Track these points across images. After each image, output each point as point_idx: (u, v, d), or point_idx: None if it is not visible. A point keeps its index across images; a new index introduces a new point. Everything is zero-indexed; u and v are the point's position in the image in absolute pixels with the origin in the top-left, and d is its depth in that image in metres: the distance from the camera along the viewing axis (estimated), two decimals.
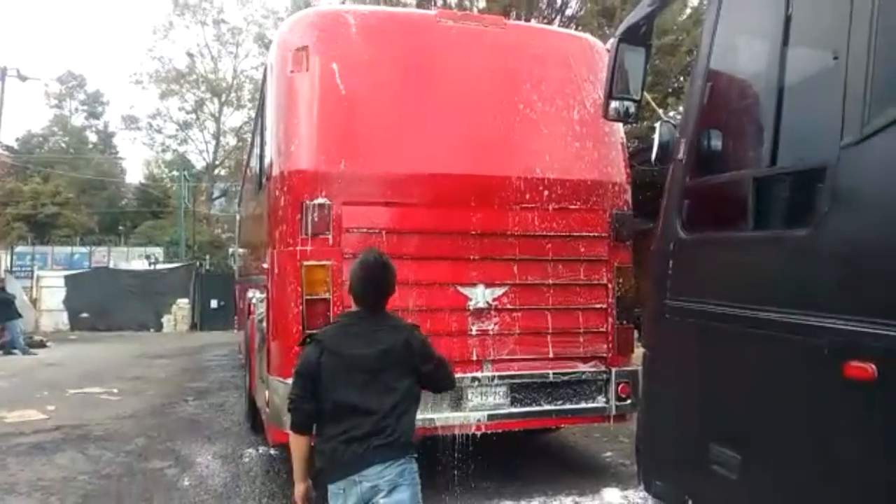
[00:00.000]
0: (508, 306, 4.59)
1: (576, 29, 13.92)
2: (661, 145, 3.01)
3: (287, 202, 4.37)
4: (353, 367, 2.45)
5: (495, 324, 4.57)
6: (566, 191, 4.73)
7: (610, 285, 4.82)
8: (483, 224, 4.55)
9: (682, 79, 13.72)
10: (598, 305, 4.80)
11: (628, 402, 4.75)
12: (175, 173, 35.78)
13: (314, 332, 2.66)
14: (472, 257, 4.54)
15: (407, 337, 2.54)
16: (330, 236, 4.30)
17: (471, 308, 4.52)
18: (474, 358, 4.50)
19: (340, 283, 4.29)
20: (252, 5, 44.18)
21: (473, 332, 4.52)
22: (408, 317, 4.32)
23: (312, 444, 2.55)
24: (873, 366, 1.80)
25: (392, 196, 4.45)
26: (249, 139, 10.90)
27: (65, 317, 20.38)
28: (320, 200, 4.30)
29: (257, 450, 5.87)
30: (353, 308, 2.61)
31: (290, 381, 4.15)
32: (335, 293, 4.28)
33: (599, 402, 4.76)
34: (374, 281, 2.55)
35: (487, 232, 4.56)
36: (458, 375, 4.40)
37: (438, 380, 2.65)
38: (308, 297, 4.26)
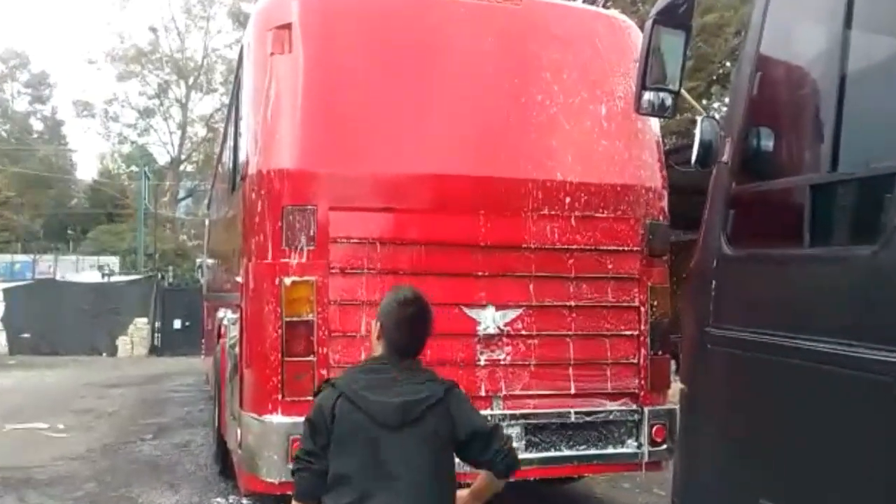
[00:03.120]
0: (523, 332, 4.62)
1: (604, 6, 13.97)
2: (702, 145, 3.02)
3: (265, 206, 4.42)
4: (371, 420, 2.42)
5: (507, 353, 4.60)
6: (591, 197, 4.77)
7: (643, 308, 4.84)
8: (494, 235, 4.59)
9: (727, 64, 13.75)
10: (628, 332, 4.83)
11: (664, 446, 4.78)
12: (134, 169, 36.01)
13: (334, 377, 2.66)
14: (480, 274, 4.58)
15: (441, 395, 2.49)
16: (314, 247, 4.34)
17: (479, 334, 4.55)
18: (483, 393, 4.54)
19: (326, 302, 4.34)
20: None
21: (482, 363, 4.55)
22: None
23: None
24: None
25: (388, 200, 4.49)
26: (221, 130, 10.95)
27: (2, 338, 20.44)
28: (304, 205, 4.34)
29: (227, 499, 5.88)
30: (378, 353, 2.61)
31: (266, 418, 4.29)
32: (320, 314, 4.31)
33: (630, 446, 4.78)
34: (410, 321, 2.56)
35: (499, 244, 4.60)
36: None
37: (495, 459, 2.52)
38: (288, 319, 4.30)
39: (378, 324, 2.60)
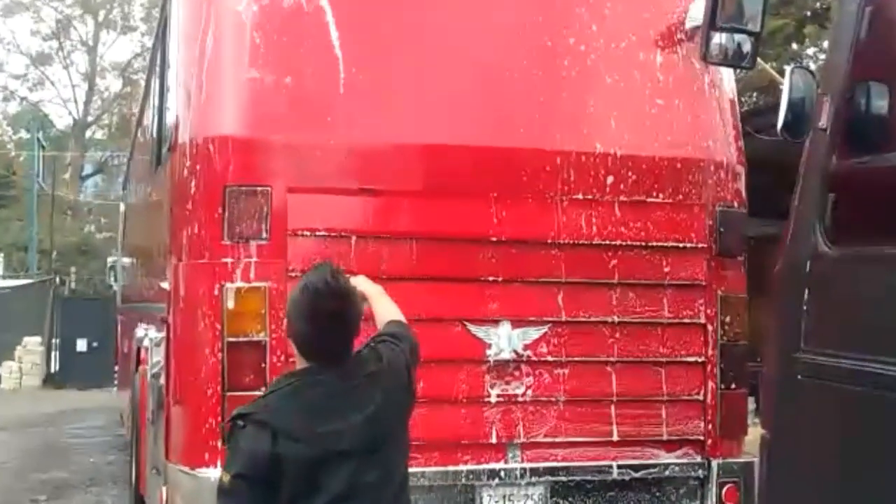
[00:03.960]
0: (549, 358, 4.63)
1: None
2: (792, 106, 3.03)
3: (201, 187, 4.45)
4: (336, 454, 2.46)
5: (528, 386, 4.60)
6: (642, 175, 4.78)
7: (710, 326, 4.85)
8: (510, 226, 4.60)
9: None
10: (691, 358, 4.84)
11: None
12: (24, 136, 35.98)
13: (246, 408, 2.60)
14: (492, 279, 4.58)
15: (384, 373, 2.64)
16: (268, 242, 4.37)
17: (490, 360, 4.55)
18: (494, 440, 4.56)
19: (283, 317, 4.23)
20: None
21: (493, 399, 4.56)
22: None
23: None
24: None
25: (367, 179, 4.50)
26: (142, 84, 10.95)
27: None
28: (254, 185, 4.36)
29: None
30: (300, 364, 2.63)
31: (200, 472, 4.28)
32: (274, 333, 4.31)
33: None
34: (330, 320, 2.56)
35: (517, 239, 4.62)
36: (469, 467, 4.46)
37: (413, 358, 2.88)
38: (232, 340, 4.33)
39: (286, 319, 2.65)
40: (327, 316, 2.54)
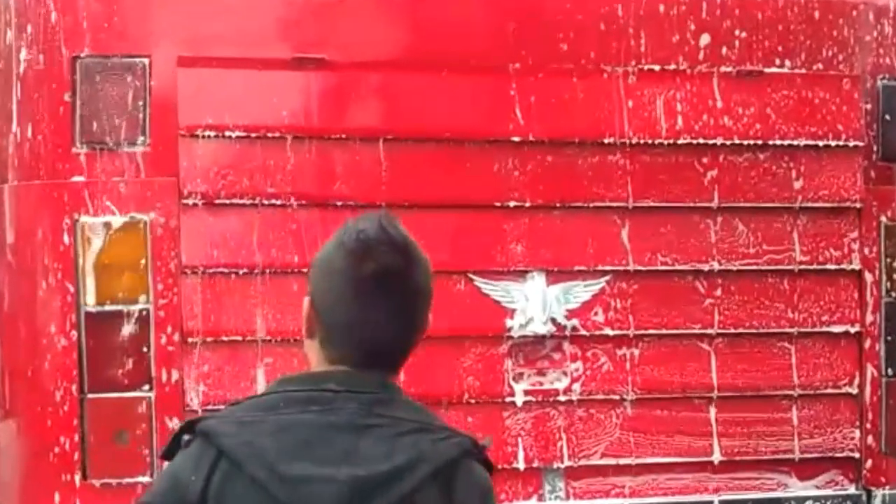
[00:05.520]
0: (608, 331, 4.63)
1: None
2: None
3: (36, 59, 4.40)
4: None
5: (575, 377, 4.59)
6: (756, 30, 4.78)
7: (870, 276, 4.87)
8: (541, 118, 4.57)
9: None
10: (836, 328, 4.86)
11: None
12: None
13: (208, 415, 2.52)
14: (513, 204, 4.56)
15: (449, 459, 2.32)
16: (148, 149, 4.34)
17: (513, 334, 4.55)
18: (521, 464, 4.54)
19: (175, 271, 4.34)
20: None
21: (519, 399, 4.56)
22: None
23: None
24: None
25: (307, 44, 4.47)
26: None
27: None
28: (124, 56, 4.33)
29: None
30: (317, 364, 2.41)
31: None
32: (163, 298, 4.33)
33: None
34: (381, 296, 2.30)
35: (551, 138, 4.58)
36: None
37: None
38: (93, 310, 4.30)
39: (308, 299, 2.41)
40: (380, 279, 2.29)
